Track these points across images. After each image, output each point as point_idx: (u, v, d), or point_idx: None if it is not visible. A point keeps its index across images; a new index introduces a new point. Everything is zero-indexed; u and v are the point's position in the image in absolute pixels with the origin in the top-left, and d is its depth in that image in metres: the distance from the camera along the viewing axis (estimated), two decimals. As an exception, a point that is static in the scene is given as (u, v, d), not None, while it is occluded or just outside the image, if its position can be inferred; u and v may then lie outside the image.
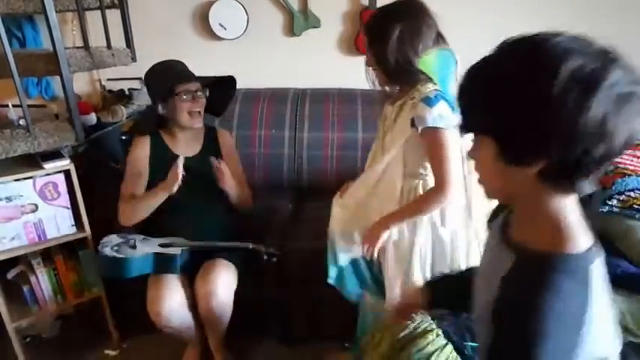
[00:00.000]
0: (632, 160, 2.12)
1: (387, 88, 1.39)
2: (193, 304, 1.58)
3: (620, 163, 2.12)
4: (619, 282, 1.69)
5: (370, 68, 1.34)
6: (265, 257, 1.60)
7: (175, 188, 1.54)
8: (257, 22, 2.43)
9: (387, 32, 1.23)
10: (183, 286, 1.58)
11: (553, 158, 0.60)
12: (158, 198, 1.60)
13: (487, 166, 0.69)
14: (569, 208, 0.67)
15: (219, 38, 2.46)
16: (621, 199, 2.02)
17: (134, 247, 1.55)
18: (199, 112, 1.65)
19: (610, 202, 2.04)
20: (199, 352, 1.74)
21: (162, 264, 1.54)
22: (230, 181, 1.66)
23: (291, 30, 2.45)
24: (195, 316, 1.62)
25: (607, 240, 1.98)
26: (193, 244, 1.61)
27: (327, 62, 2.50)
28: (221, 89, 1.76)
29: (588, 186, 0.64)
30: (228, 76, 1.73)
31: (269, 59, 2.52)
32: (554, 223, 0.66)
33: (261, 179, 2.24)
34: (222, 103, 1.80)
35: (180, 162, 1.54)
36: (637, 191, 2.02)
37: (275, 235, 1.88)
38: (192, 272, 1.60)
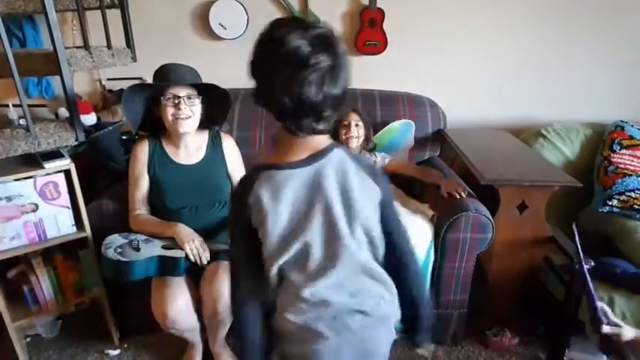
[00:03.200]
0: (632, 161, 2.12)
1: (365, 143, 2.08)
2: (197, 305, 1.58)
3: (620, 163, 2.12)
4: (619, 282, 1.69)
5: (360, 132, 2.03)
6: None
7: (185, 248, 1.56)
8: (257, 22, 2.43)
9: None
10: (188, 288, 1.57)
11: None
12: (165, 234, 1.60)
13: None
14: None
15: (219, 38, 2.46)
16: (621, 199, 2.02)
17: (137, 248, 1.53)
18: (184, 118, 1.63)
19: (610, 202, 2.04)
20: (201, 352, 1.74)
21: (167, 267, 1.53)
22: None
23: (292, 30, 2.45)
24: (199, 318, 1.61)
25: (607, 240, 1.98)
26: None
27: (327, 62, 2.49)
28: (219, 99, 1.71)
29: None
30: (222, 90, 1.68)
31: (269, 59, 2.52)
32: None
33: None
34: (220, 113, 1.76)
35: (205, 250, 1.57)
36: (637, 191, 2.02)
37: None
38: (195, 273, 1.60)
